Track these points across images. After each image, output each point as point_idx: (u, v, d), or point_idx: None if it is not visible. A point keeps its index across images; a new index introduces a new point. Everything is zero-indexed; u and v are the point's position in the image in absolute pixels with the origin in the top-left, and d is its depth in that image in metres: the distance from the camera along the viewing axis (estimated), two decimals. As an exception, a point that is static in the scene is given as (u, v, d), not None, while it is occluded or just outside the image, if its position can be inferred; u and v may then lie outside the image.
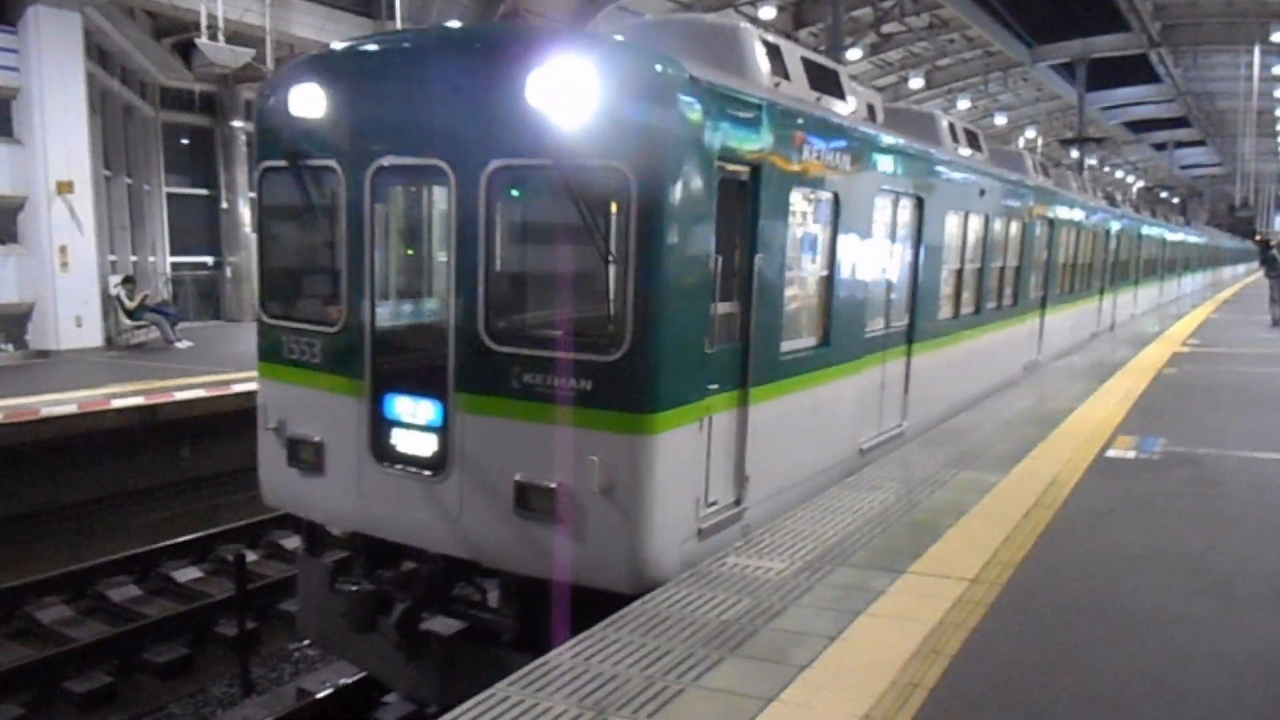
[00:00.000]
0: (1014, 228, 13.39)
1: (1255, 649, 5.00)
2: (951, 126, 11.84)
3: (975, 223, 11.73)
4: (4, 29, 17.07)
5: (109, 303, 19.16)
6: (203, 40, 18.38)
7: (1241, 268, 65.94)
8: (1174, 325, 24.11)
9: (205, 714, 8.30)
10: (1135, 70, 48.71)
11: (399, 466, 6.46)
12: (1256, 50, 41.46)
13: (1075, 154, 41.27)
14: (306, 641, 8.81)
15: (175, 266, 24.74)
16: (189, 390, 13.78)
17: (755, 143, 6.49)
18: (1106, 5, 37.04)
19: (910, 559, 6.20)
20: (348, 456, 6.68)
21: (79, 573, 10.45)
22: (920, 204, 9.67)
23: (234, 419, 12.96)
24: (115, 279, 19.72)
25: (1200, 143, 73.46)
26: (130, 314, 19.30)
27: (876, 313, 9.01)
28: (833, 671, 4.59)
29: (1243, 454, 9.45)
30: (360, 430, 6.59)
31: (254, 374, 7.53)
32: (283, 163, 6.85)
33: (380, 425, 6.53)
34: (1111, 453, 9.37)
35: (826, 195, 7.71)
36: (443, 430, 6.25)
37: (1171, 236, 32.80)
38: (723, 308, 6.35)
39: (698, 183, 5.87)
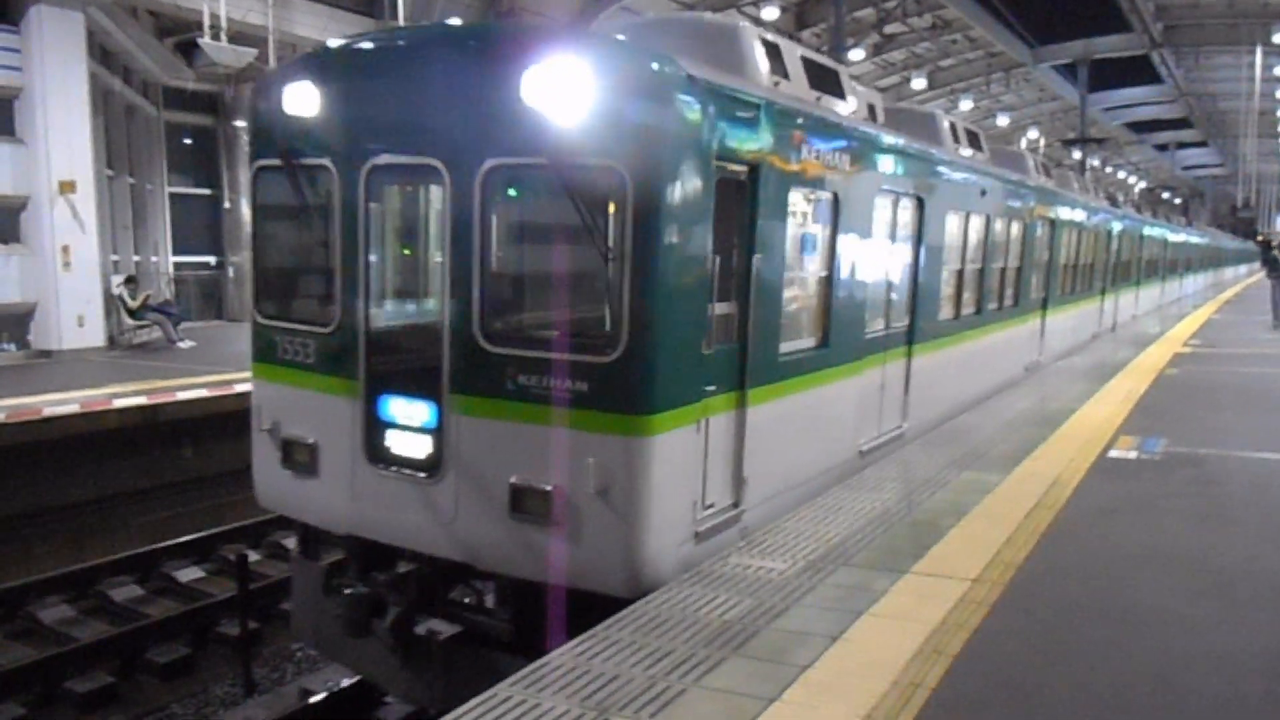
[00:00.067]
0: (1015, 228, 13.36)
1: (1257, 649, 5.00)
2: (952, 126, 11.81)
3: (976, 223, 11.69)
4: (6, 28, 17.07)
5: (111, 302, 19.14)
6: (205, 40, 18.40)
7: (1243, 268, 65.92)
8: (1176, 326, 24.09)
9: (207, 714, 8.31)
10: (1137, 71, 48.71)
11: (393, 468, 6.41)
12: (1258, 51, 41.42)
13: (1077, 155, 41.28)
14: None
15: (178, 266, 24.71)
16: (191, 390, 13.78)
17: (754, 142, 6.45)
18: (1108, 6, 37.05)
19: (912, 559, 6.20)
20: (342, 458, 6.62)
21: (81, 572, 10.47)
22: (921, 204, 9.64)
23: (236, 419, 12.92)
24: (118, 279, 19.72)
25: (1202, 144, 73.40)
26: (133, 314, 19.30)
27: (876, 313, 8.96)
28: (835, 671, 4.60)
29: (1244, 454, 9.45)
30: (354, 432, 6.53)
31: (257, 374, 7.51)
32: (277, 162, 6.81)
33: (374, 427, 6.48)
34: (1113, 453, 9.37)
35: (826, 195, 7.67)
36: (437, 432, 6.19)
37: (1173, 237, 32.78)
38: (720, 308, 6.28)
39: (695, 182, 5.82)
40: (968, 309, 11.73)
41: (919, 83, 43.16)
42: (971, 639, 5.00)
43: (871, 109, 9.74)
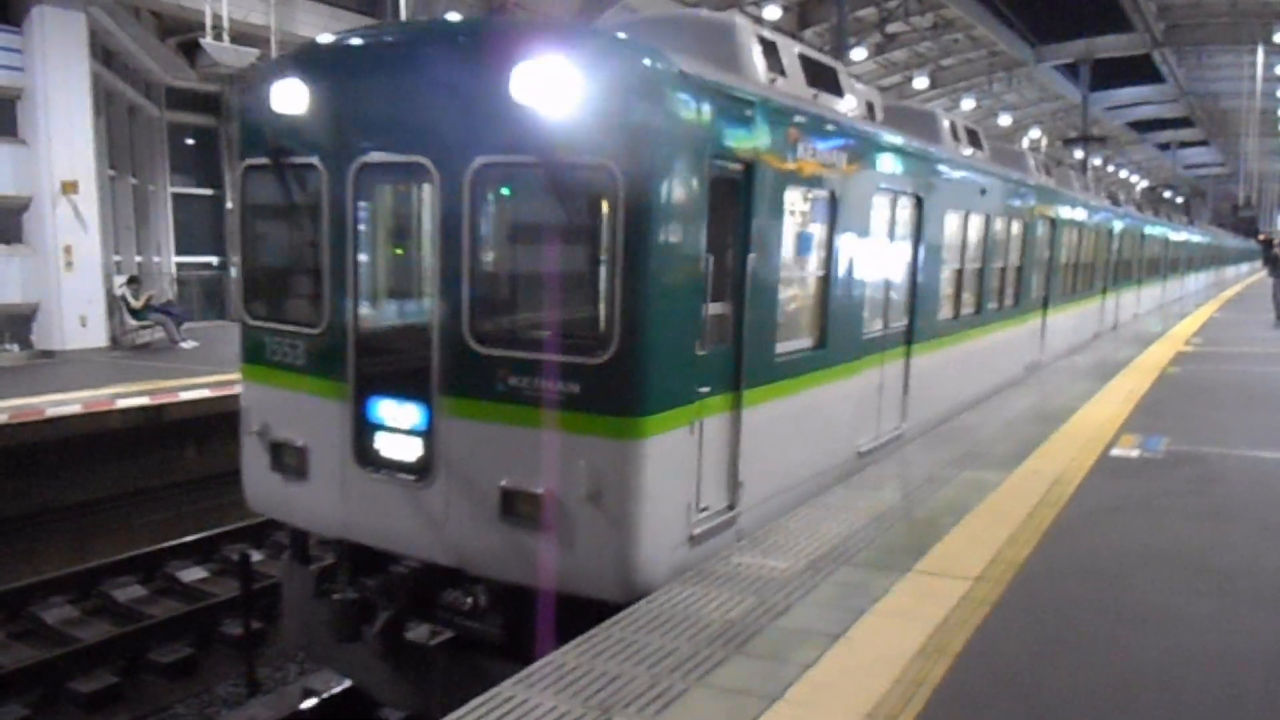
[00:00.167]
0: (1015, 227, 13.33)
1: (1257, 647, 5.01)
2: (952, 125, 11.77)
3: (976, 222, 11.64)
4: (9, 29, 17.10)
5: (114, 303, 19.17)
6: (207, 40, 18.39)
7: (1245, 267, 65.89)
8: (1177, 325, 24.09)
9: (210, 714, 8.31)
10: (1139, 70, 48.77)
11: (383, 472, 6.31)
12: (1260, 50, 41.46)
13: (1079, 154, 41.28)
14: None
15: (180, 266, 24.76)
16: (194, 390, 13.80)
17: (748, 140, 6.35)
18: (1110, 6, 37.10)
19: (914, 557, 6.21)
20: (331, 461, 6.53)
21: (84, 573, 10.47)
22: (920, 203, 9.59)
23: (239, 419, 12.97)
24: (120, 279, 19.74)
25: (1203, 143, 73.41)
26: (135, 314, 19.32)
27: (875, 313, 8.89)
28: (837, 670, 4.60)
29: (1246, 453, 9.45)
30: (344, 434, 6.43)
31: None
32: (264, 160, 6.73)
33: (364, 429, 6.37)
34: (1115, 452, 9.37)
35: (823, 194, 7.59)
36: (427, 434, 6.10)
37: (1174, 236, 32.75)
38: (715, 309, 6.20)
39: (688, 180, 5.73)
40: (967, 308, 11.68)
41: (921, 82, 43.14)
42: (974, 637, 5.01)
43: (870, 107, 9.70)
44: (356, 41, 6.71)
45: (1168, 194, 62.31)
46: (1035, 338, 15.33)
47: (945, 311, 10.98)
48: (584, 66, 5.38)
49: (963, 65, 45.65)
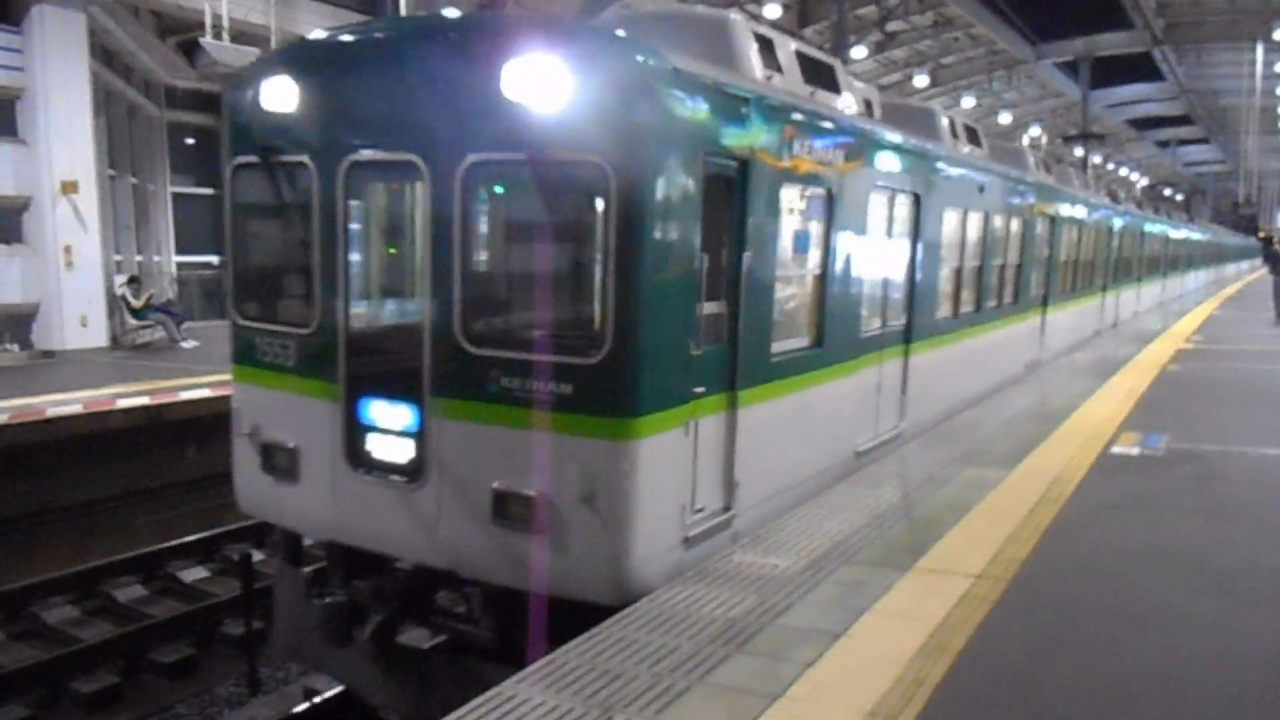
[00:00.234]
0: (1014, 225, 13.30)
1: (1257, 646, 5.01)
2: (950, 122, 11.73)
3: (974, 220, 11.62)
4: (8, 29, 17.10)
5: (114, 302, 19.17)
6: (207, 39, 18.38)
7: (1245, 264, 65.89)
8: (1177, 322, 24.09)
9: (211, 714, 8.32)
10: (1139, 68, 48.70)
11: (374, 473, 6.25)
12: (1259, 48, 41.41)
13: (1079, 151, 41.27)
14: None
15: (180, 266, 24.75)
16: (194, 390, 13.80)
17: (743, 137, 6.28)
18: (1110, 3, 37.05)
19: (915, 556, 6.21)
20: (322, 463, 6.46)
21: (85, 573, 10.48)
22: (918, 201, 9.55)
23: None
24: (120, 279, 19.73)
25: (1203, 140, 73.34)
26: (135, 314, 19.32)
27: (872, 312, 8.85)
28: (838, 669, 4.61)
29: (1246, 450, 9.46)
30: (334, 435, 6.36)
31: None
32: (254, 158, 6.65)
33: (355, 430, 6.30)
34: (1116, 449, 9.37)
35: (819, 191, 7.54)
36: (419, 436, 6.03)
37: (1174, 233, 32.74)
38: (709, 308, 6.14)
39: (682, 178, 5.67)
40: (966, 307, 11.65)
41: (921, 80, 43.10)
42: (974, 636, 5.01)
43: (868, 104, 9.67)
44: (346, 38, 6.61)
45: (1168, 192, 62.38)
46: (1035, 336, 15.32)
47: (944, 310, 10.94)
48: (576, 63, 5.33)
49: (963, 63, 45.61)
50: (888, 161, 8.84)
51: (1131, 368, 15.30)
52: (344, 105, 6.26)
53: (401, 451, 6.15)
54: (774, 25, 28.30)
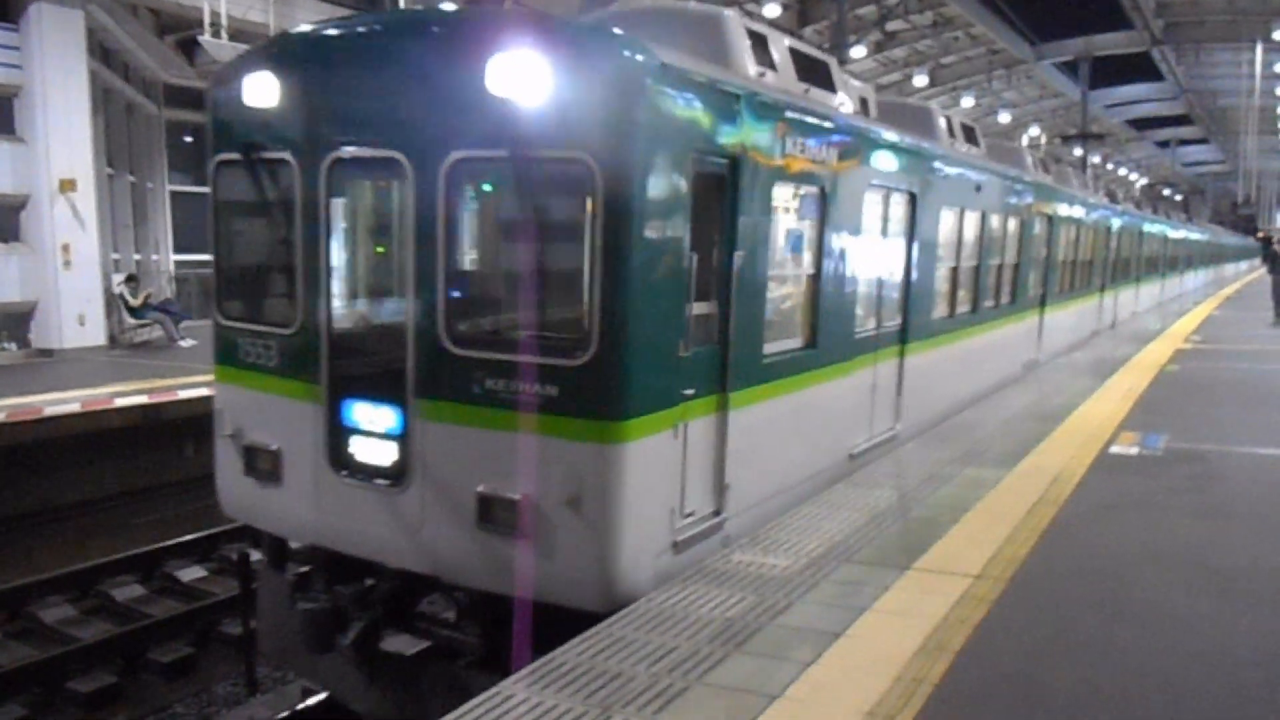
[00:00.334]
0: (1012, 224, 13.25)
1: (1257, 645, 5.01)
2: (947, 121, 11.67)
3: (971, 219, 11.55)
4: (6, 27, 17.07)
5: (112, 301, 19.17)
6: (206, 38, 18.38)
7: (1244, 264, 65.95)
8: (1176, 322, 24.11)
9: (210, 713, 8.31)
10: (1138, 68, 48.80)
11: (357, 476, 6.15)
12: (1259, 48, 41.41)
13: (1079, 151, 41.29)
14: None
15: (179, 264, 24.73)
16: (192, 389, 13.78)
17: (734, 134, 6.19)
18: (1109, 3, 37.14)
19: (914, 555, 6.21)
20: (305, 465, 6.37)
21: (83, 572, 10.45)
22: (913, 200, 9.48)
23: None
24: (118, 277, 19.73)
25: (1203, 140, 73.41)
26: (134, 312, 19.32)
27: (867, 312, 8.77)
28: (837, 668, 4.60)
29: (1245, 450, 9.46)
30: (317, 438, 6.27)
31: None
32: (236, 156, 6.56)
33: (338, 433, 6.21)
34: (1115, 449, 9.37)
35: (813, 190, 7.45)
36: (402, 438, 5.93)
37: (1173, 233, 32.76)
38: (699, 308, 6.02)
39: (670, 175, 5.58)
40: (963, 307, 11.59)
41: (920, 80, 43.10)
42: (974, 635, 5.01)
43: (864, 102, 9.61)
44: (329, 32, 6.49)
45: (1167, 191, 62.43)
46: (1033, 336, 15.30)
47: (940, 310, 10.88)
48: (562, 58, 5.26)
49: (962, 63, 45.61)
50: (883, 160, 8.76)
51: (1130, 368, 15.31)
52: (326, 101, 6.18)
53: (385, 454, 6.05)
54: (773, 24, 28.28)
